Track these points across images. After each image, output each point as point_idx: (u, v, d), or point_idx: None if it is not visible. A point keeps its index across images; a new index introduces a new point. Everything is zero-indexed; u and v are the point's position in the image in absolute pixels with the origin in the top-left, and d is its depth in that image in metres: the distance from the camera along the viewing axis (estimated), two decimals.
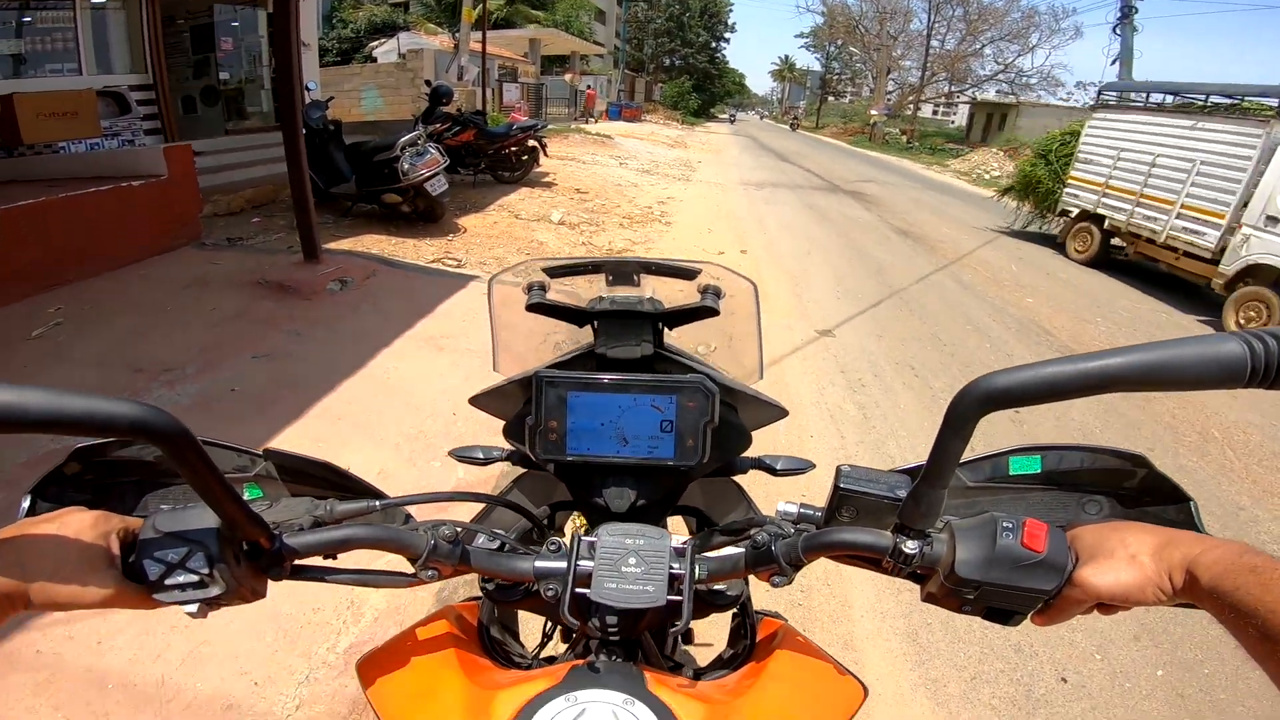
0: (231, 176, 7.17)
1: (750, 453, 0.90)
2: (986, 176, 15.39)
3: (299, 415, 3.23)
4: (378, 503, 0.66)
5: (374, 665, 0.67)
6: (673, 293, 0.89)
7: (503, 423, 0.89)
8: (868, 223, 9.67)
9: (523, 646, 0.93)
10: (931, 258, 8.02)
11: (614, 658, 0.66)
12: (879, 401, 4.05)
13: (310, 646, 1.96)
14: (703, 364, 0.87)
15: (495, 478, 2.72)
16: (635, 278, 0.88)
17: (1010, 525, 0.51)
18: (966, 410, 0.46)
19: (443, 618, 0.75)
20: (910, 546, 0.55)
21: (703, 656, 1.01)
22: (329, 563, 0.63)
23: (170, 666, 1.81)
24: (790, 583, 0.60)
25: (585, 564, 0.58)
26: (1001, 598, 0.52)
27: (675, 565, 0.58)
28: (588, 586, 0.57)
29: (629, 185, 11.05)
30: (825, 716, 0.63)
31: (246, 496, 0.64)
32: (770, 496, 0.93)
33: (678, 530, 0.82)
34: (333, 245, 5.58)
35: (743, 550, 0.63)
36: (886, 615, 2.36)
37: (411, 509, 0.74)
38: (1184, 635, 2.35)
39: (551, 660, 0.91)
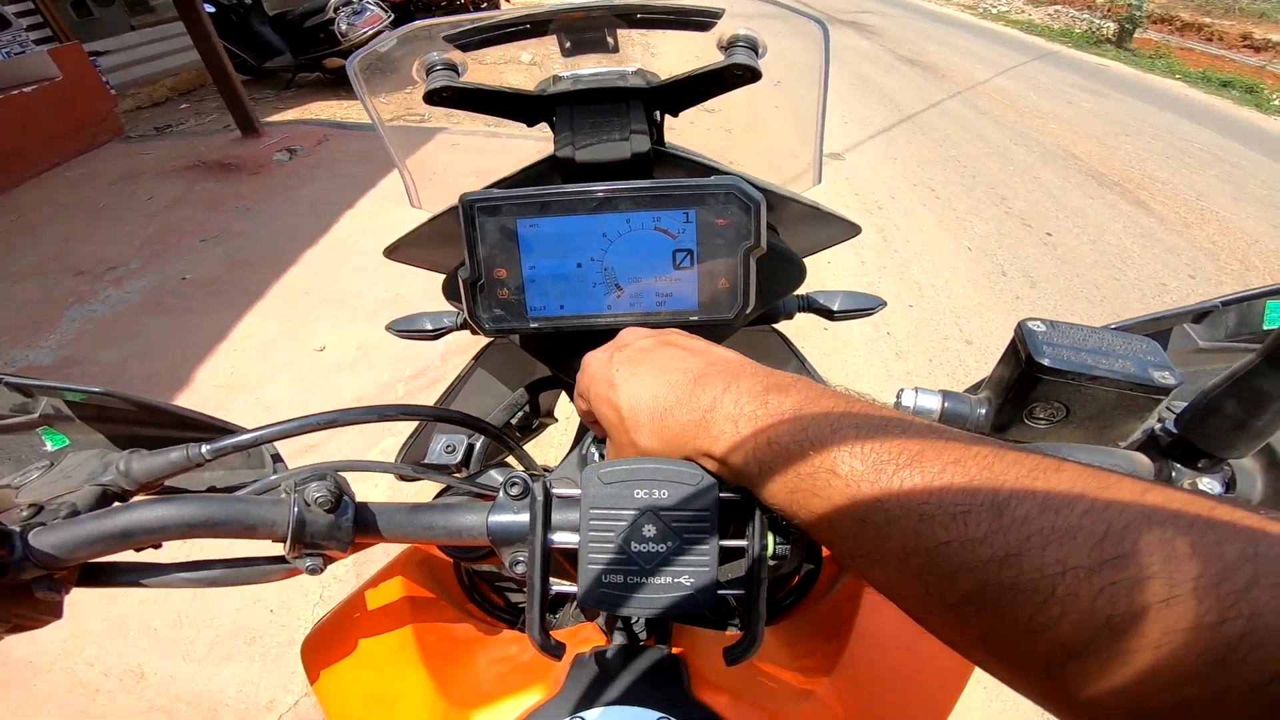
0: (149, 69, 6.72)
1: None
2: (994, 11, 13.92)
3: (260, 295, 2.92)
4: (204, 449, 0.41)
5: (319, 647, 0.51)
6: (673, 64, 0.58)
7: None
8: (870, 52, 8.74)
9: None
10: (943, 85, 7.25)
11: (637, 628, 0.44)
12: (899, 224, 3.69)
13: None
14: (725, 167, 0.57)
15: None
16: (609, 38, 0.55)
17: None
18: None
19: (398, 571, 0.57)
20: (1207, 485, 0.32)
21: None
22: (147, 555, 0.39)
23: (183, 603, 1.71)
24: None
25: (565, 536, 0.36)
26: None
27: (729, 536, 0.34)
28: (574, 560, 0.35)
29: None
30: (940, 684, 0.45)
31: (49, 446, 0.45)
32: (825, 350, 0.63)
33: None
34: (276, 118, 5.11)
35: None
36: None
37: (282, 445, 0.45)
38: None
39: (556, 605, 0.67)
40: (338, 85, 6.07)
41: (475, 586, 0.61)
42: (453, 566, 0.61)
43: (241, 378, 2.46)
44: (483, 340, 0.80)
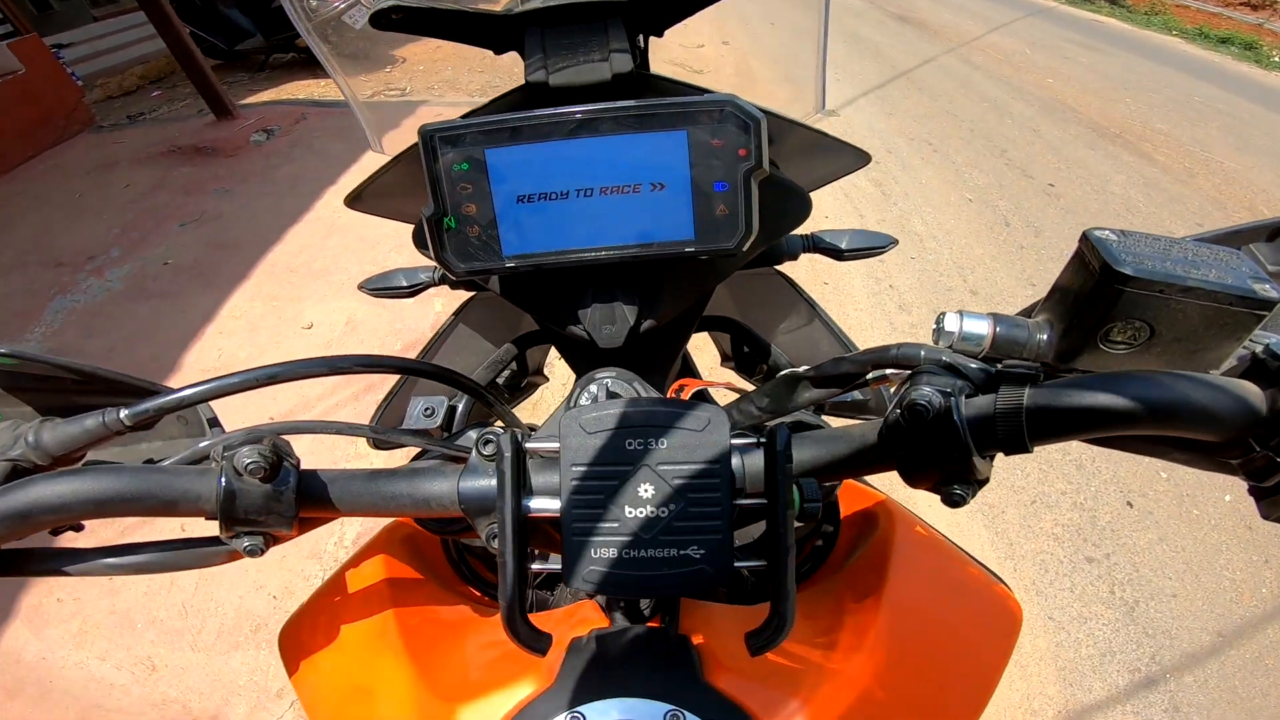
0: (116, 59, 6.67)
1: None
2: None
3: (245, 276, 2.84)
4: (123, 413, 0.35)
5: (296, 637, 0.48)
6: None
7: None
8: (861, 9, 8.56)
9: None
10: (936, 42, 7.10)
11: (641, 606, 0.40)
12: (897, 178, 3.61)
13: (318, 544, 1.78)
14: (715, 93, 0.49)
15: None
16: None
17: None
18: None
19: (379, 550, 0.53)
20: None
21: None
22: (69, 539, 0.36)
23: (186, 594, 1.69)
24: (973, 496, 0.29)
25: (544, 502, 0.29)
26: None
27: (745, 494, 0.29)
28: (558, 528, 0.29)
29: None
30: (982, 658, 0.40)
31: None
32: (825, 305, 0.61)
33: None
34: (252, 99, 4.98)
35: (865, 429, 0.30)
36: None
37: (217, 403, 0.41)
38: None
39: (550, 581, 0.64)
40: (314, 64, 5.90)
41: (466, 562, 0.55)
42: (440, 542, 0.56)
43: (230, 359, 2.39)
44: (464, 296, 0.74)
